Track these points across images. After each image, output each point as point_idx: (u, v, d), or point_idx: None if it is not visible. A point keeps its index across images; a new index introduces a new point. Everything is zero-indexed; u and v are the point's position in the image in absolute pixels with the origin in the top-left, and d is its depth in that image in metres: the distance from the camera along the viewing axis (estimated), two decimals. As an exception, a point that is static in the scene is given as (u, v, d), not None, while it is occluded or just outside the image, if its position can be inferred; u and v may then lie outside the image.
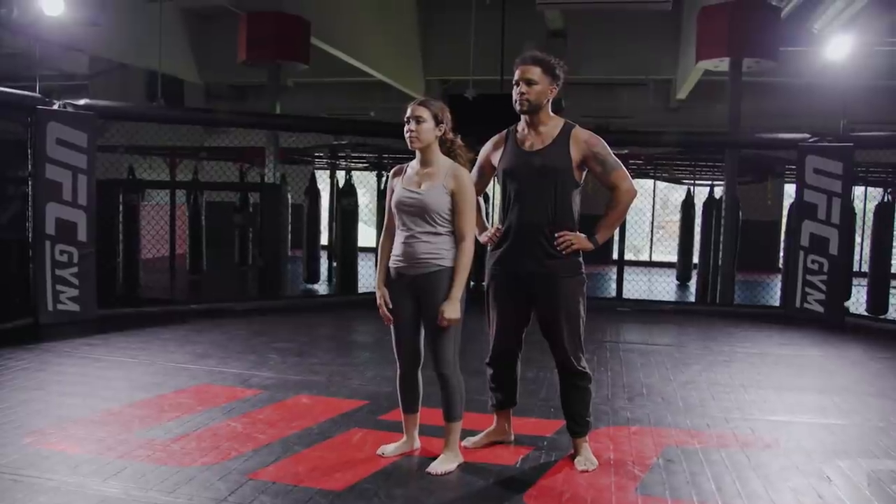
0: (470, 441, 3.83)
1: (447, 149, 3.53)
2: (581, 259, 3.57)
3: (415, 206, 3.42)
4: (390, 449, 3.70)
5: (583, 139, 3.50)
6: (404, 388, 3.68)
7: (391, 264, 3.55)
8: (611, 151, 3.54)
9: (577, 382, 3.60)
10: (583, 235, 3.50)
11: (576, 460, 3.63)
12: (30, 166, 6.47)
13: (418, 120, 3.41)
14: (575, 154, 3.47)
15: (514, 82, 3.50)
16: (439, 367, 3.49)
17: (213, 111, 11.39)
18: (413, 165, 3.55)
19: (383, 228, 3.67)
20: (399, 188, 3.52)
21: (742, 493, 3.35)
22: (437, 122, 3.45)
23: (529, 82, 3.44)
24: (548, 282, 3.49)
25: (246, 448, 3.74)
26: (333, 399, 4.69)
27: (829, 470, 3.66)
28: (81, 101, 6.84)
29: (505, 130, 3.70)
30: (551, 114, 3.56)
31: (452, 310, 3.37)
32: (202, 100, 15.65)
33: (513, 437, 3.92)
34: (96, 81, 13.74)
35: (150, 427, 4.02)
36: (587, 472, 3.53)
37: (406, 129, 3.43)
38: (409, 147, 3.46)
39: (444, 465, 3.49)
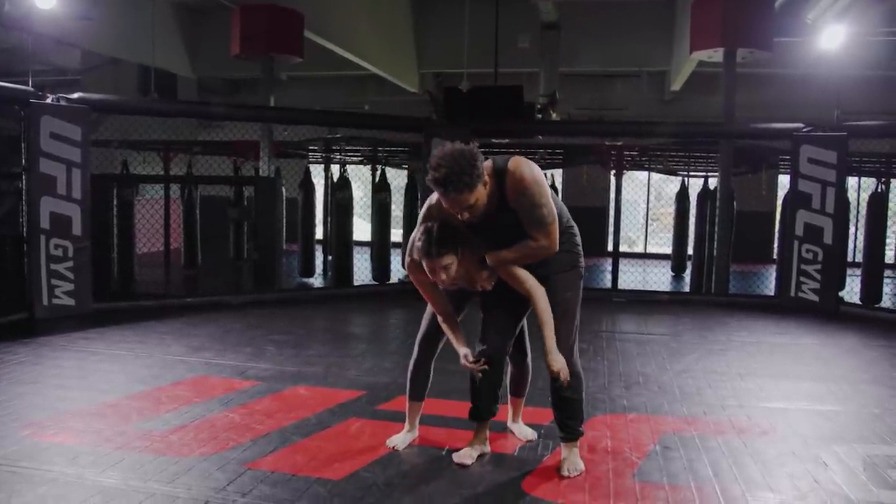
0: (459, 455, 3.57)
1: None
2: (578, 251, 3.50)
3: None
4: (400, 440, 3.70)
5: (510, 188, 3.18)
6: (420, 375, 3.70)
7: None
8: (542, 194, 3.18)
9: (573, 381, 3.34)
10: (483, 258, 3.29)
11: (562, 466, 3.41)
12: (23, 160, 6.45)
13: (446, 269, 3.20)
14: (515, 204, 3.21)
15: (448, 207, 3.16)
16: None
17: (207, 104, 11.33)
18: None
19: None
20: None
21: (739, 479, 3.37)
22: (457, 252, 3.22)
23: (469, 208, 3.10)
24: (542, 280, 3.37)
25: (244, 438, 3.75)
26: (331, 390, 4.69)
27: (825, 455, 3.68)
28: (75, 95, 6.81)
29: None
30: (486, 180, 3.14)
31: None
32: (195, 94, 15.59)
33: (489, 451, 3.65)
34: (89, 76, 13.69)
35: (148, 418, 4.02)
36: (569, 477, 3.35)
37: (438, 280, 3.26)
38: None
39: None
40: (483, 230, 3.29)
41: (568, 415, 3.45)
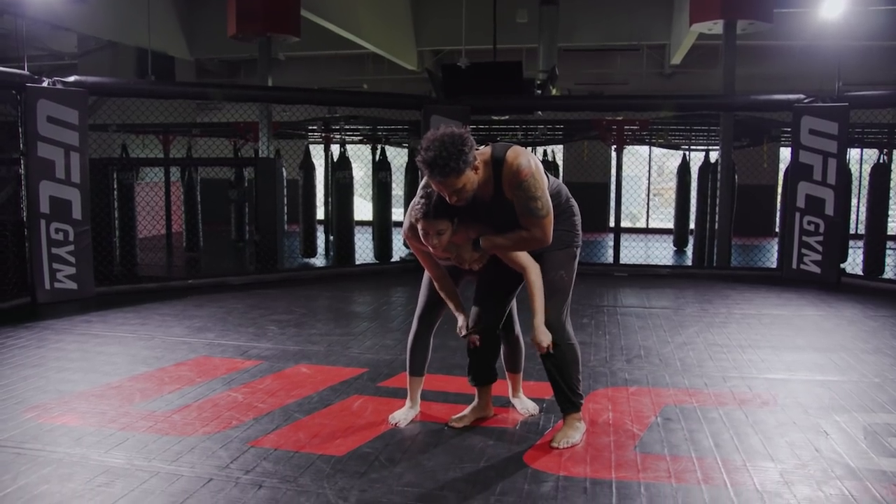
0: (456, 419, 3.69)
1: None
2: (576, 231, 3.49)
3: None
4: (401, 415, 3.71)
5: (507, 179, 3.18)
6: (419, 349, 3.73)
7: None
8: (538, 186, 3.16)
9: (557, 340, 3.34)
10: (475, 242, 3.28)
11: (556, 437, 3.42)
12: (21, 145, 6.43)
13: (439, 235, 3.21)
14: (511, 195, 3.20)
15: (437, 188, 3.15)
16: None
17: (205, 85, 11.29)
18: None
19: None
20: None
21: (740, 449, 3.38)
22: (452, 221, 3.24)
23: (457, 192, 3.09)
24: (536, 257, 3.38)
25: (247, 417, 3.77)
26: (333, 368, 4.71)
27: (826, 425, 3.69)
28: (71, 78, 6.78)
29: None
30: (477, 166, 3.14)
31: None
32: (193, 76, 15.56)
33: (493, 413, 3.76)
34: (86, 60, 13.64)
35: (152, 399, 4.04)
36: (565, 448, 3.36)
37: (430, 244, 3.26)
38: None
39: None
40: (477, 214, 3.30)
41: (564, 388, 3.45)
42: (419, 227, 3.24)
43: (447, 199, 3.15)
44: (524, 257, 3.33)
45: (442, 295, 3.54)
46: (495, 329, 3.54)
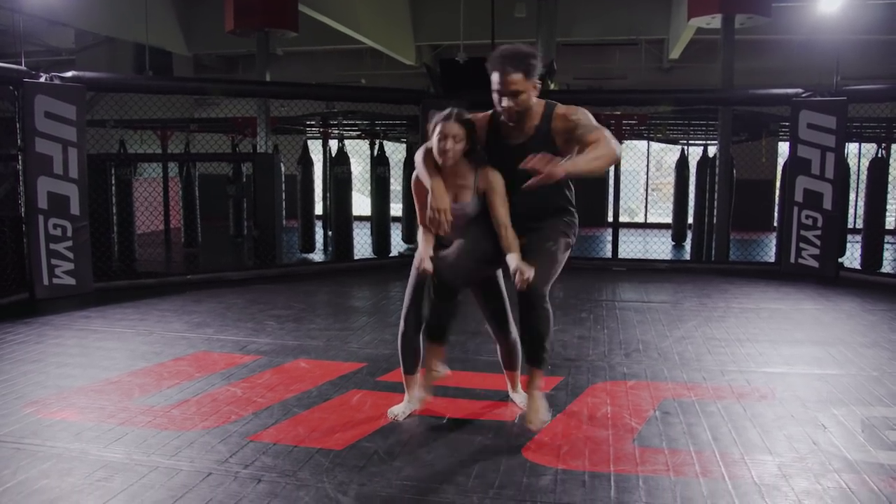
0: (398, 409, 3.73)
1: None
2: (573, 233, 3.49)
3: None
4: (400, 410, 3.72)
5: (560, 114, 3.31)
6: (409, 348, 3.72)
7: None
8: (592, 118, 3.30)
9: (536, 304, 3.28)
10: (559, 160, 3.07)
11: (529, 414, 3.40)
12: (19, 140, 6.42)
13: (454, 139, 3.29)
14: (559, 137, 3.29)
15: (494, 90, 3.24)
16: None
17: (203, 80, 11.28)
18: None
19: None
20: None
21: (738, 442, 3.39)
22: (467, 134, 3.32)
23: (515, 94, 3.19)
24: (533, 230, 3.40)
25: (246, 412, 3.77)
26: (332, 362, 4.71)
27: (824, 418, 3.70)
28: (69, 74, 6.77)
29: (490, 113, 3.44)
30: (534, 102, 3.31)
31: None
32: (191, 72, 15.51)
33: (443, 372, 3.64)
34: (83, 56, 13.60)
35: (150, 394, 4.05)
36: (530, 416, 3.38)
37: (442, 148, 3.30)
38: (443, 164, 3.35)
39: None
40: (505, 168, 3.31)
41: (538, 344, 3.38)
42: (437, 130, 3.29)
43: (498, 102, 3.23)
44: (506, 215, 3.33)
45: (423, 234, 3.47)
46: (451, 292, 3.39)
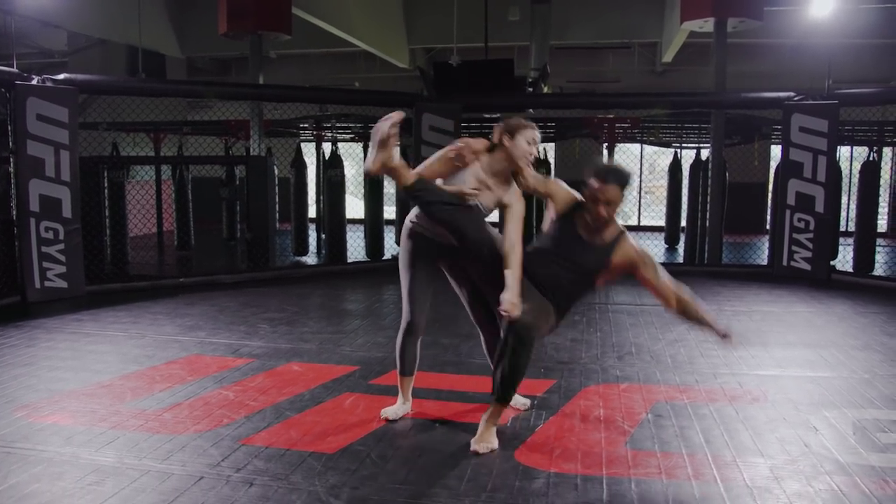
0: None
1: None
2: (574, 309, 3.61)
3: None
4: (393, 411, 3.72)
5: (632, 247, 3.59)
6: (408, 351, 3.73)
7: None
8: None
9: (517, 336, 3.25)
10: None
11: (477, 438, 3.35)
12: (10, 143, 6.39)
13: (535, 143, 3.55)
14: (618, 258, 3.54)
15: (593, 199, 3.40)
16: None
17: (196, 83, 11.25)
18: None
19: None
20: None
21: (730, 445, 3.40)
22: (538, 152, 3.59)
23: (610, 203, 3.40)
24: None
25: (238, 415, 3.76)
26: (324, 365, 4.70)
27: (815, 420, 3.71)
28: (61, 76, 6.74)
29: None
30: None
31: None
32: (184, 74, 15.51)
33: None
34: (76, 58, 13.58)
35: (142, 398, 4.03)
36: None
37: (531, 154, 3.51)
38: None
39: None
40: (563, 250, 3.52)
41: (510, 379, 3.30)
42: (524, 133, 3.46)
43: (592, 215, 3.45)
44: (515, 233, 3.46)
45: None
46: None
